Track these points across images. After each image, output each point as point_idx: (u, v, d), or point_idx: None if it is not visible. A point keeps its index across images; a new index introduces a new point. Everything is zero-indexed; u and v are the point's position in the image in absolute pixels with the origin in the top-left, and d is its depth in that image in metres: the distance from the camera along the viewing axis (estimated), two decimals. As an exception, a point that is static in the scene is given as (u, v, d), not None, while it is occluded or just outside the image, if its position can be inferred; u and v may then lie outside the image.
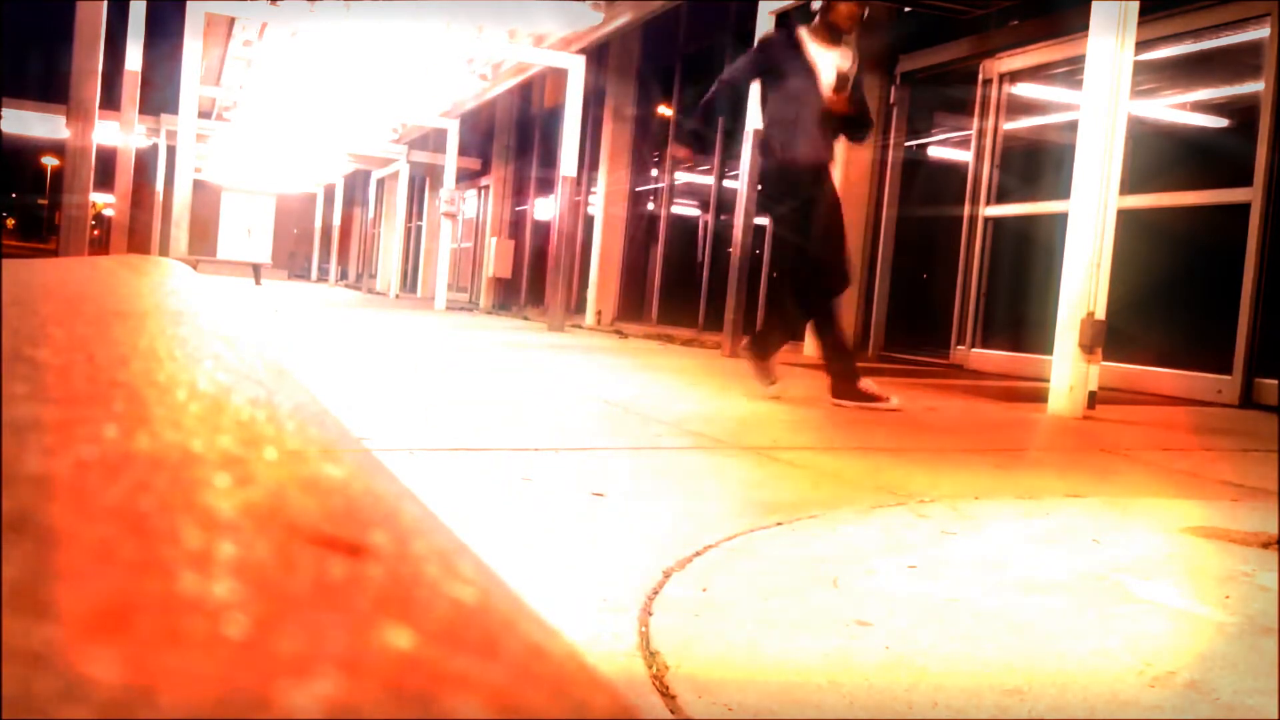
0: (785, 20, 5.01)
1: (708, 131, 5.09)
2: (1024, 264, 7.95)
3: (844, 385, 4.74)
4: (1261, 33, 6.25)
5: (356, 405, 3.76)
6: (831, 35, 4.79)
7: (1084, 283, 4.96)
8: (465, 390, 4.97)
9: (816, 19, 4.80)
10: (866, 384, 4.71)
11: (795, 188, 4.75)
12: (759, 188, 5.04)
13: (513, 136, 19.55)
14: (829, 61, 4.77)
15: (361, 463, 0.54)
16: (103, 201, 26.67)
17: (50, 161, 52.79)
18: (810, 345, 9.42)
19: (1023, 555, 2.12)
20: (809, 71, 4.71)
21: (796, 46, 4.74)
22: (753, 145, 4.98)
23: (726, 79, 4.89)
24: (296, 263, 37.34)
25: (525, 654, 0.34)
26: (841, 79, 4.73)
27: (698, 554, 1.95)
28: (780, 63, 4.75)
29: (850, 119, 4.84)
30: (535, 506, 2.40)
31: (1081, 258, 4.97)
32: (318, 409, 0.76)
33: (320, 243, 34.47)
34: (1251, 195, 6.12)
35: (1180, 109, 7.49)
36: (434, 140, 21.01)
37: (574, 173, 11.73)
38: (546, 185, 17.11)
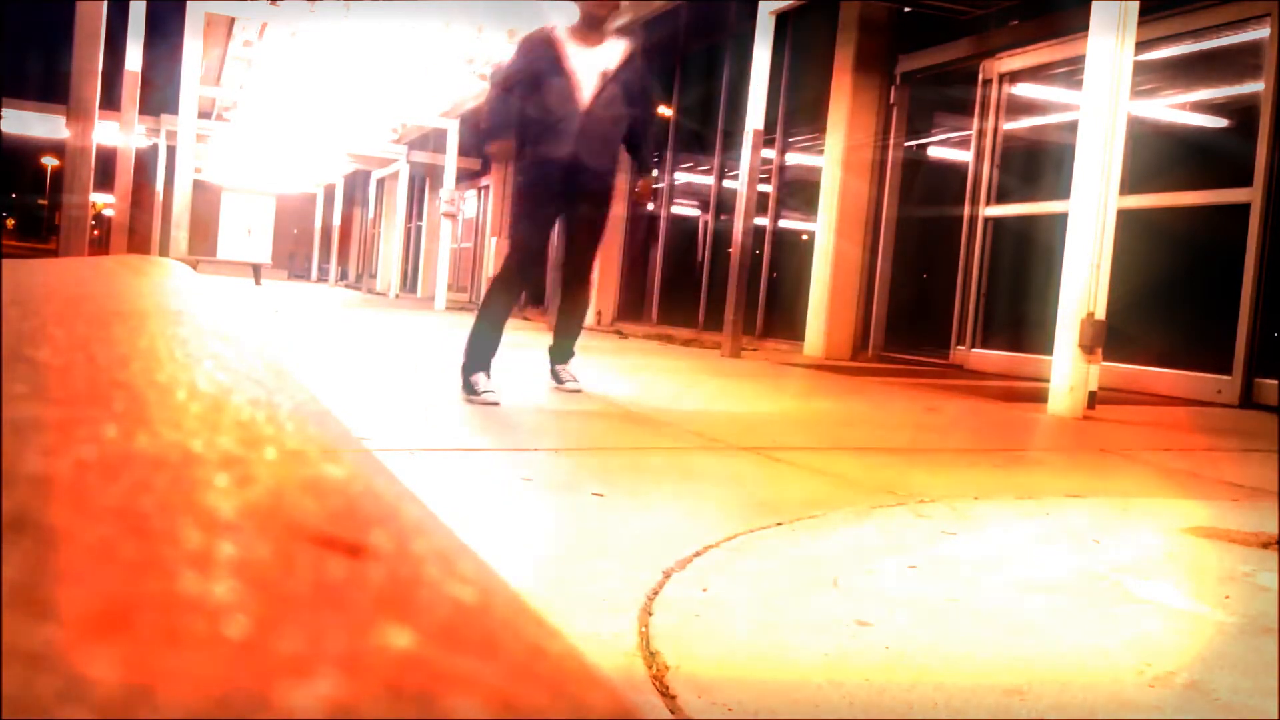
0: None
1: (499, 138, 4.52)
2: (1024, 264, 7.95)
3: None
4: (1261, 33, 6.25)
5: (357, 405, 3.76)
6: (592, 28, 4.45)
7: (1084, 283, 4.96)
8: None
9: (579, 13, 4.45)
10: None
11: (546, 192, 4.47)
12: (518, 183, 4.58)
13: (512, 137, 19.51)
14: (591, 62, 4.42)
15: (361, 463, 0.54)
16: (103, 201, 26.65)
17: (50, 161, 52.78)
18: (813, 345, 9.42)
19: (1023, 555, 2.12)
20: (561, 74, 4.38)
21: (553, 47, 4.40)
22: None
23: (499, 86, 4.52)
24: (296, 263, 37.34)
25: (525, 654, 0.34)
26: (603, 78, 4.40)
27: (698, 554, 1.95)
28: (536, 66, 4.39)
29: (634, 129, 4.57)
30: (535, 506, 2.40)
31: (1081, 258, 4.97)
32: (318, 409, 0.76)
33: (320, 243, 34.46)
34: (1251, 195, 6.12)
35: (1180, 109, 7.49)
36: (434, 140, 21.00)
37: (574, 173, 11.70)
38: (546, 185, 17.07)
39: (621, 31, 4.55)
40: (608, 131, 4.49)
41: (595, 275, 4.95)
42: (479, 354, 4.33)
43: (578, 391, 4.67)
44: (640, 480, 2.80)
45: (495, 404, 4.10)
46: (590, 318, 13.97)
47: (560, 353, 4.90)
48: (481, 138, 4.62)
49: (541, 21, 4.65)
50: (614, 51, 4.49)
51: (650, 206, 4.00)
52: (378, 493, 0.49)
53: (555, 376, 4.84)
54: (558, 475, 2.77)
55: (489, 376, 4.27)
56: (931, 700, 1.31)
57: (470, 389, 4.21)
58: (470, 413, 3.98)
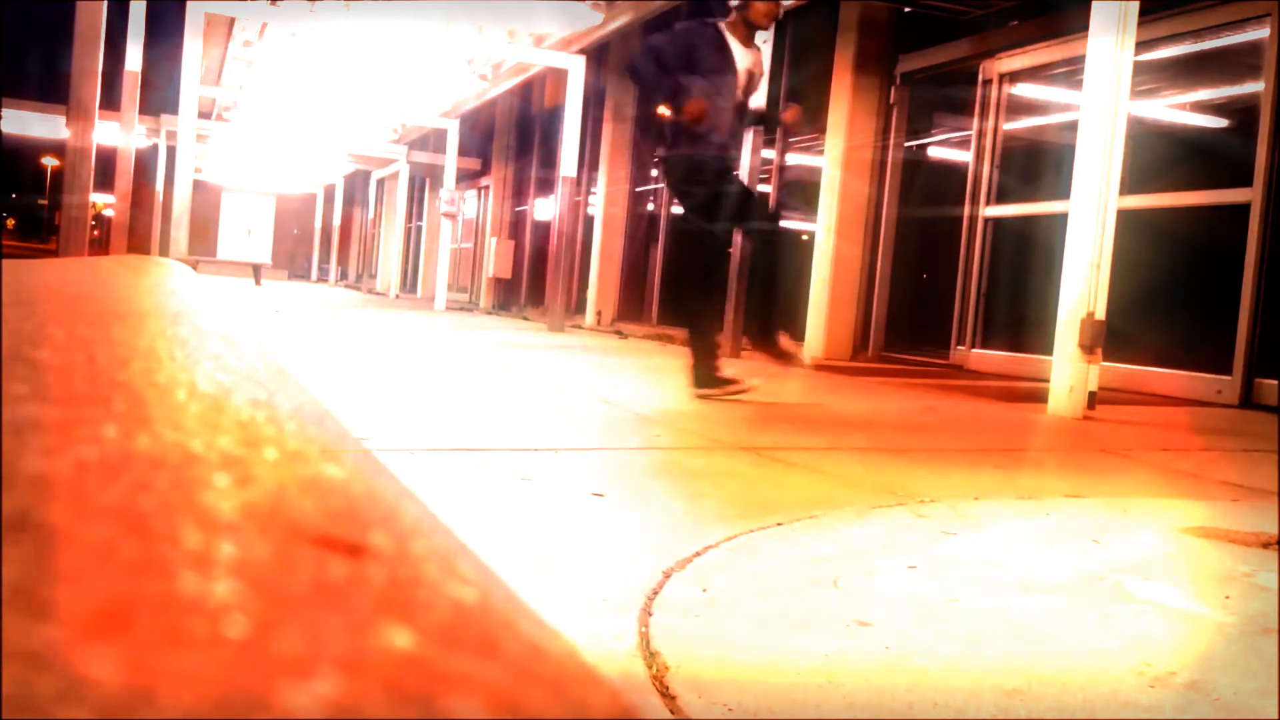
0: (703, 9, 4.92)
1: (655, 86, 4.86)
2: (1024, 264, 7.94)
3: (705, 375, 4.73)
4: (1261, 33, 6.25)
5: (357, 405, 3.76)
6: (747, 33, 4.77)
7: (1084, 283, 4.96)
8: (465, 390, 4.97)
9: (734, 14, 4.77)
10: (725, 371, 4.73)
11: (706, 178, 4.75)
12: (670, 176, 4.94)
13: (513, 136, 19.54)
14: (743, 60, 4.77)
15: (361, 463, 0.54)
16: (103, 201, 26.66)
17: (50, 161, 52.79)
18: (813, 345, 9.42)
19: (1023, 555, 2.12)
20: (730, 66, 4.71)
21: (720, 39, 4.72)
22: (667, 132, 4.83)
23: (653, 50, 4.82)
24: (296, 263, 37.33)
25: (525, 654, 0.34)
26: (750, 78, 4.76)
27: (698, 554, 1.94)
28: (704, 53, 4.70)
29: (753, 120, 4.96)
30: (535, 506, 2.40)
31: (1081, 258, 4.97)
32: (318, 409, 0.76)
33: (320, 243, 34.46)
34: (1251, 195, 6.12)
35: (1180, 109, 7.49)
36: (434, 140, 21.00)
37: (574, 173, 11.72)
38: (546, 185, 17.10)
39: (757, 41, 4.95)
40: (739, 128, 4.88)
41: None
42: (705, 356, 4.71)
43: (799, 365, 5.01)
44: (640, 480, 2.80)
45: (750, 388, 4.66)
46: (590, 318, 13.98)
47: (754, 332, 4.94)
48: (650, 91, 4.84)
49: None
50: (756, 55, 4.86)
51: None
52: (378, 493, 0.49)
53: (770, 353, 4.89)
54: (557, 475, 2.77)
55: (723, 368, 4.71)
56: (931, 700, 1.31)
57: (716, 384, 4.63)
58: (470, 412, 3.99)
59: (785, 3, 8.21)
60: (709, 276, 4.94)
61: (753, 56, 4.80)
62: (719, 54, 4.68)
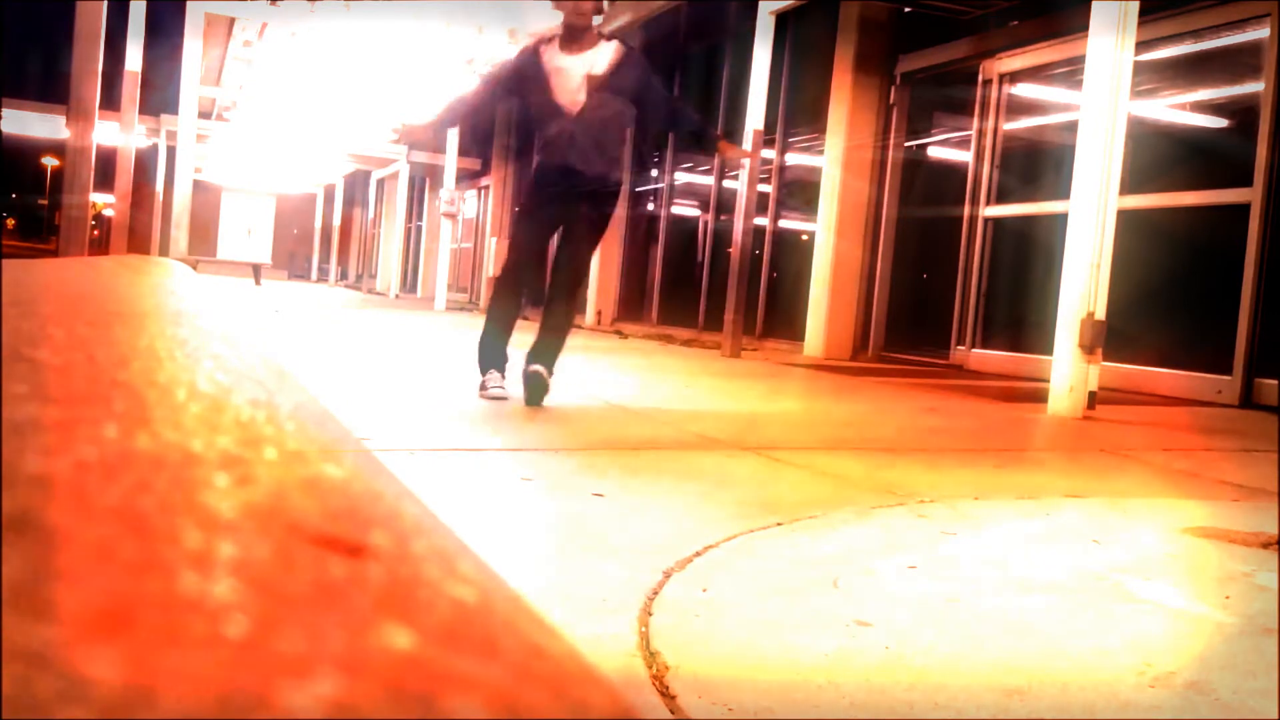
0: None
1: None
2: (1024, 264, 7.95)
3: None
4: (1261, 33, 6.25)
5: (357, 405, 3.76)
6: (574, 36, 4.54)
7: (1084, 283, 4.96)
8: (466, 391, 4.96)
9: (560, 25, 4.59)
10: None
11: (544, 195, 4.57)
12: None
13: (513, 136, 19.55)
14: (577, 66, 4.52)
15: (361, 463, 0.54)
16: (103, 201, 26.66)
17: (50, 161, 52.80)
18: (813, 345, 9.42)
19: (1023, 555, 2.12)
20: (544, 82, 4.50)
21: (532, 56, 4.56)
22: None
23: (482, 83, 4.86)
24: (296, 263, 37.33)
25: (525, 654, 0.34)
26: (590, 81, 4.47)
27: (698, 554, 1.95)
28: (521, 78, 4.59)
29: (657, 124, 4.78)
30: (535, 506, 2.40)
31: (1081, 258, 4.97)
32: (318, 409, 0.76)
33: (320, 243, 34.47)
34: (1251, 195, 6.12)
35: (1180, 109, 7.49)
36: (434, 140, 21.00)
37: (574, 173, 11.70)
38: (546, 185, 17.08)
39: (614, 34, 4.67)
40: (601, 134, 4.51)
41: (585, 281, 5.02)
42: (488, 356, 4.54)
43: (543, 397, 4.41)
44: (640, 480, 2.80)
45: (502, 398, 4.32)
46: (590, 317, 13.98)
47: (535, 354, 4.52)
48: (441, 115, 4.85)
49: (540, 21, 4.75)
50: (603, 55, 4.56)
51: (745, 162, 5.22)
52: (378, 493, 0.49)
53: (523, 374, 4.49)
54: (558, 475, 2.77)
55: (503, 375, 4.47)
56: (931, 700, 1.31)
57: (481, 386, 4.45)
58: (470, 413, 3.98)
59: (784, 3, 8.22)
60: (514, 286, 4.69)
61: (597, 58, 4.53)
62: (534, 70, 4.53)
